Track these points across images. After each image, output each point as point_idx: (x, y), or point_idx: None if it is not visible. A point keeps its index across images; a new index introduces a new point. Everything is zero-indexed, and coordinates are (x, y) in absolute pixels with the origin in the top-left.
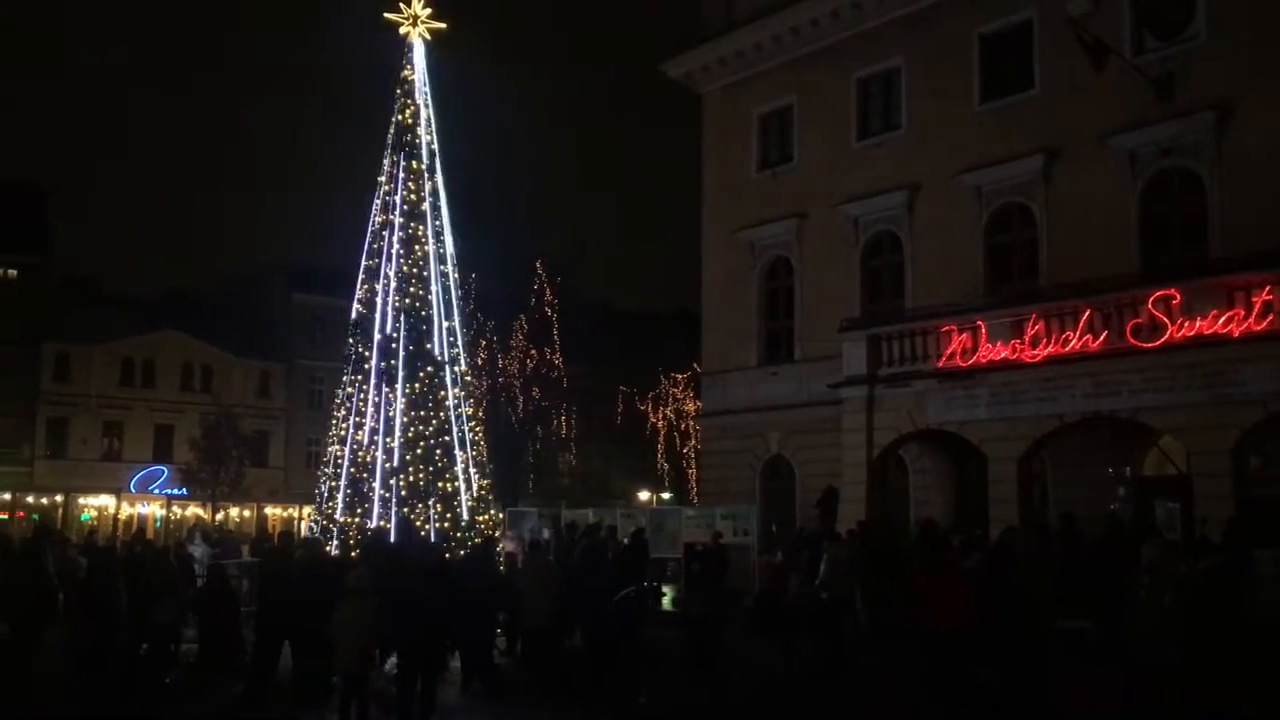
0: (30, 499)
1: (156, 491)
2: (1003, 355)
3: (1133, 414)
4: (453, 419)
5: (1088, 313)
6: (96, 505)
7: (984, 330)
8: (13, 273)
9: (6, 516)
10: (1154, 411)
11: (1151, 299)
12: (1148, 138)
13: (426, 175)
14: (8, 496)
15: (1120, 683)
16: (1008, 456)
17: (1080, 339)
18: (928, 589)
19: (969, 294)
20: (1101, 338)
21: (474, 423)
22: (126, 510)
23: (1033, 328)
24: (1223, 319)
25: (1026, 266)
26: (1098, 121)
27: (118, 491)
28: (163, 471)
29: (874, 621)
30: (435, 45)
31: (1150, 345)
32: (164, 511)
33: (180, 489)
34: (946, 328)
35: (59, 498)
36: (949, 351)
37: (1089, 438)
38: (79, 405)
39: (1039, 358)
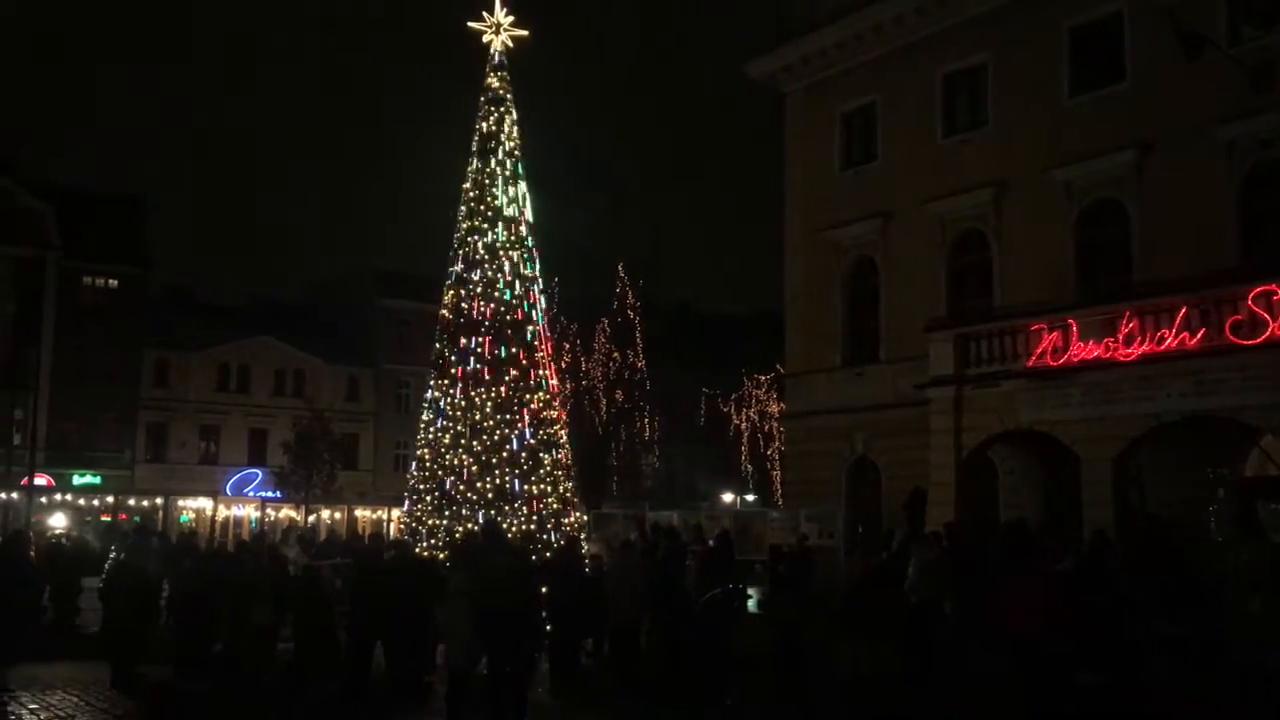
0: (131, 501)
1: (251, 494)
2: (1095, 354)
3: (1233, 413)
4: (538, 422)
5: (1184, 310)
6: (194, 507)
7: (1075, 328)
8: (114, 282)
9: (110, 519)
10: (1256, 410)
11: (1251, 295)
12: (1246, 129)
13: (510, 180)
14: (110, 499)
15: (1221, 688)
16: (1102, 457)
17: (1176, 336)
18: (1009, 593)
19: (1059, 292)
20: (1199, 335)
21: (559, 425)
22: (223, 512)
23: (1126, 325)
24: None
25: (1118, 263)
26: (1193, 113)
27: (214, 494)
28: (257, 475)
29: (963, 625)
30: (517, 52)
31: (1251, 342)
32: (258, 514)
33: (274, 491)
34: (1036, 326)
35: (159, 500)
36: (1039, 350)
37: (1187, 438)
38: (177, 410)
39: (1133, 356)
